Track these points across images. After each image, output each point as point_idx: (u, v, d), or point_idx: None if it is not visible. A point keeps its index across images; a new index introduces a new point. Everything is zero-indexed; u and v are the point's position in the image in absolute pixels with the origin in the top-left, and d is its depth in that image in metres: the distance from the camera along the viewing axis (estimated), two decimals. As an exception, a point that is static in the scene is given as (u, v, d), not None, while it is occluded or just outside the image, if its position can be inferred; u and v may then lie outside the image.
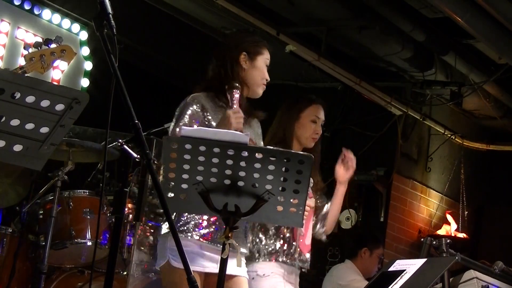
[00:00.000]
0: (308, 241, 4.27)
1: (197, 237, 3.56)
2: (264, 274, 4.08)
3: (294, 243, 4.18)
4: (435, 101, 8.87)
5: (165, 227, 3.64)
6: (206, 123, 3.64)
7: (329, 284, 6.94)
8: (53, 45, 4.04)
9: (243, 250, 3.67)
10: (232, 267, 3.49)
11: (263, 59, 3.89)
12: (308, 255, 4.28)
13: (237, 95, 3.68)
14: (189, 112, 3.64)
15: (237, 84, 3.71)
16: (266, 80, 3.88)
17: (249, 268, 4.05)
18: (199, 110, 3.66)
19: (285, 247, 4.15)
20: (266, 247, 4.14)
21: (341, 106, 8.68)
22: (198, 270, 3.50)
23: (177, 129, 3.57)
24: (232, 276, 3.58)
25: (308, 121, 4.36)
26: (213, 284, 3.45)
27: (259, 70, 3.85)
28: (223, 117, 3.57)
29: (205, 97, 3.72)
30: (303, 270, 4.27)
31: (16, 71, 3.94)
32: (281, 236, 4.16)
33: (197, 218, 3.59)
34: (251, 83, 3.82)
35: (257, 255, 4.10)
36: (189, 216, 3.58)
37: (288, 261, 4.15)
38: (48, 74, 6.74)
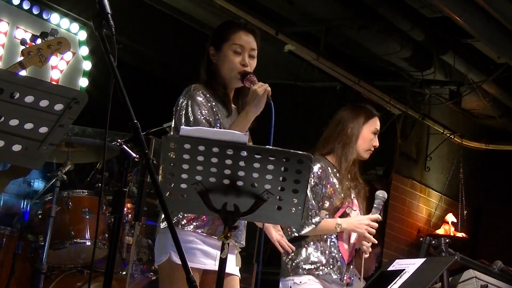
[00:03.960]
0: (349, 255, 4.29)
1: (192, 228, 3.43)
2: (301, 282, 4.14)
3: (338, 257, 4.21)
4: (434, 100, 8.87)
5: (163, 223, 3.49)
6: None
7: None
8: (49, 38, 4.02)
9: (239, 245, 3.61)
10: (228, 266, 3.46)
11: (229, 45, 3.52)
12: (351, 267, 4.30)
13: (253, 78, 3.43)
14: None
15: (246, 70, 3.48)
16: (243, 65, 3.48)
17: (287, 277, 4.16)
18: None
19: (325, 261, 4.18)
20: (306, 260, 4.17)
21: (340, 106, 8.66)
22: (197, 267, 3.45)
23: None
24: (227, 275, 3.50)
25: (370, 132, 4.35)
26: (209, 280, 3.43)
27: (226, 61, 3.51)
28: (250, 95, 3.39)
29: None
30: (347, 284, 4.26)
31: (15, 67, 3.94)
32: (325, 250, 4.19)
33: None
34: (223, 76, 3.54)
35: (294, 266, 4.16)
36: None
37: (330, 274, 4.16)
38: (47, 74, 6.73)
